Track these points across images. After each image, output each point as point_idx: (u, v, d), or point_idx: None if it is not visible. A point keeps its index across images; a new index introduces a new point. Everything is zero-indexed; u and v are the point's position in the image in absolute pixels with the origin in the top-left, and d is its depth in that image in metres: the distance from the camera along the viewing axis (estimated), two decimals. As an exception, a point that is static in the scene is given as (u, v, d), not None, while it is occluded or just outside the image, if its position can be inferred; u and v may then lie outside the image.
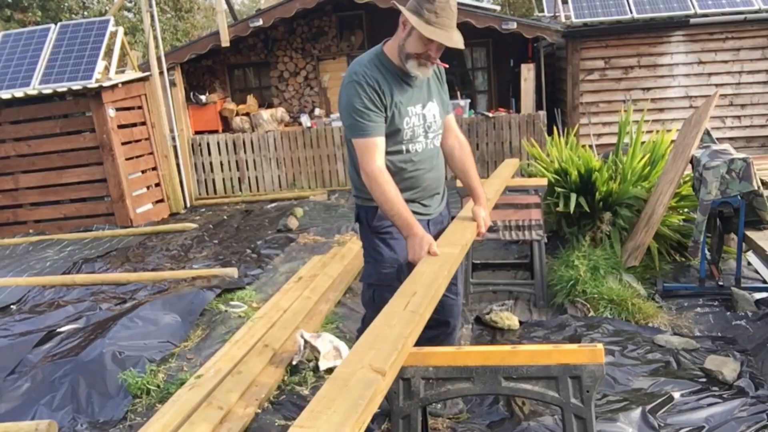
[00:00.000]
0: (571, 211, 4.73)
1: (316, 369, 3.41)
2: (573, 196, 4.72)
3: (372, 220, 2.53)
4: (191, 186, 9.29)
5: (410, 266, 2.46)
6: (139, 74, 8.34)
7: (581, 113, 9.18)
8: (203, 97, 9.76)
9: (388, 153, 2.43)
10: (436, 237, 2.55)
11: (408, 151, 2.49)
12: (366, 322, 2.59)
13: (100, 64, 7.59)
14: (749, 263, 4.50)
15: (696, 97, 9.08)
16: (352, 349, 1.57)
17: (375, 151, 2.34)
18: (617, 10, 8.93)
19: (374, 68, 2.37)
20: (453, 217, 2.81)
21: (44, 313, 4.54)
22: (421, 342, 2.58)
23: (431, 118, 2.54)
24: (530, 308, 4.21)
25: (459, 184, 4.53)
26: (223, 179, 9.58)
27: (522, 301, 4.32)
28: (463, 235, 2.51)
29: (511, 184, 4.36)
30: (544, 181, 4.52)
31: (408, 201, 2.49)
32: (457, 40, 2.34)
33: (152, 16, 8.39)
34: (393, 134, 2.43)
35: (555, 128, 6.34)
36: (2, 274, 5.81)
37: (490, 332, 3.87)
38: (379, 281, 2.51)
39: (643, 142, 5.26)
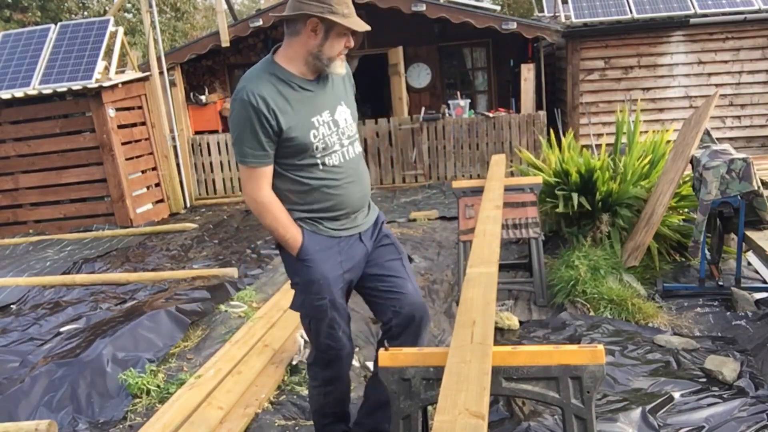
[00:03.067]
0: (571, 212, 4.74)
1: (316, 369, 3.41)
2: (575, 196, 4.72)
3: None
4: (191, 186, 9.29)
5: (343, 292, 2.32)
6: (139, 74, 8.34)
7: (581, 113, 9.19)
8: (203, 98, 9.76)
9: (300, 170, 2.22)
10: (370, 256, 2.38)
11: (324, 164, 2.23)
12: (314, 360, 2.46)
13: (100, 64, 7.59)
14: (749, 263, 4.50)
15: (696, 97, 9.09)
16: (442, 393, 1.60)
17: (264, 179, 2.18)
18: (617, 10, 8.94)
19: (267, 83, 2.13)
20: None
21: (44, 314, 4.55)
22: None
23: (343, 123, 2.28)
24: (530, 308, 4.22)
25: (455, 185, 4.56)
26: (223, 179, 9.58)
27: (522, 301, 4.32)
28: (493, 251, 2.50)
29: (507, 182, 4.37)
30: (539, 179, 4.53)
31: (332, 220, 2.29)
32: (364, 23, 2.23)
33: (152, 17, 8.39)
34: (301, 150, 2.19)
35: (551, 132, 6.35)
36: (2, 274, 5.81)
37: (490, 332, 3.87)
38: (313, 313, 2.31)
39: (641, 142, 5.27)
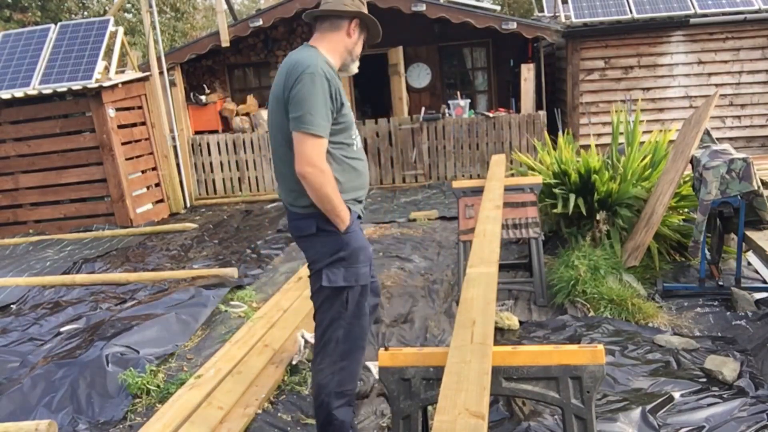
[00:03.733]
0: (570, 212, 4.73)
1: (316, 369, 3.41)
2: (572, 197, 4.72)
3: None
4: (191, 186, 9.29)
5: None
6: (139, 74, 8.34)
7: (581, 113, 9.18)
8: (203, 98, 9.76)
9: (344, 149, 2.41)
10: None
11: (357, 146, 2.50)
12: (332, 337, 2.48)
13: (100, 64, 7.59)
14: (749, 263, 4.50)
15: (696, 97, 9.09)
16: (442, 393, 1.61)
17: (325, 150, 2.31)
18: (617, 10, 8.94)
19: (329, 66, 2.34)
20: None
21: (44, 314, 4.55)
22: None
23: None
24: (530, 308, 4.21)
25: (456, 185, 4.55)
26: (223, 179, 9.58)
27: (522, 301, 4.32)
28: (493, 251, 2.52)
29: (507, 182, 4.36)
30: (539, 179, 4.52)
31: (358, 202, 2.51)
32: None
33: (152, 17, 8.39)
34: (348, 126, 2.43)
35: (547, 135, 6.36)
36: (2, 274, 5.81)
37: (490, 332, 3.87)
38: (357, 281, 2.43)
39: (641, 142, 5.26)
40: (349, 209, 2.42)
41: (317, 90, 2.23)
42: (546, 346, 1.84)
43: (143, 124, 8.25)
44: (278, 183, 2.54)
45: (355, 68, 2.51)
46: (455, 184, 4.55)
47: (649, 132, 5.55)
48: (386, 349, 1.92)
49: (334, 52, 2.41)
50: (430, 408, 2.02)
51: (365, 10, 2.43)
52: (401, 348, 1.99)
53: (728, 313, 3.81)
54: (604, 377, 1.74)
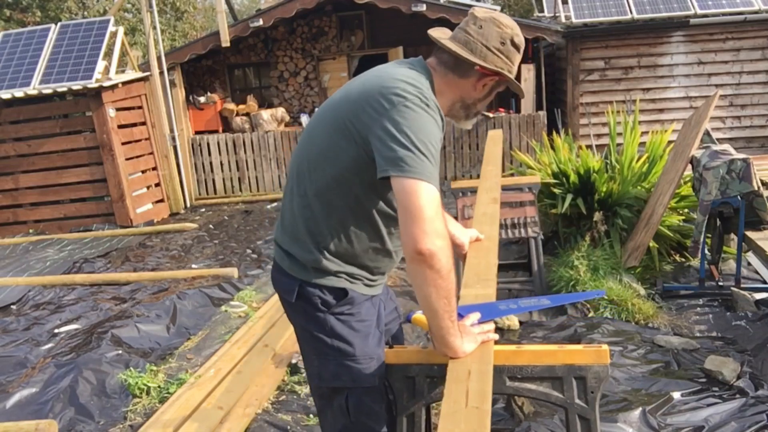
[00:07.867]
0: (564, 212, 4.73)
1: (316, 369, 3.41)
2: (568, 197, 4.72)
3: (337, 301, 1.74)
4: (191, 186, 9.29)
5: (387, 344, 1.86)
6: (139, 74, 8.34)
7: (581, 113, 9.19)
8: (202, 99, 9.75)
9: (393, 223, 1.75)
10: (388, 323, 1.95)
11: None
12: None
13: (100, 64, 7.58)
14: (749, 263, 4.50)
15: (696, 97, 9.09)
16: None
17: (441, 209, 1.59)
18: (617, 10, 8.94)
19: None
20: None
21: (44, 314, 4.55)
22: None
23: None
24: (530, 308, 4.21)
25: (454, 185, 4.55)
26: (223, 179, 9.58)
27: (522, 302, 4.32)
28: (490, 263, 2.07)
29: (505, 182, 4.34)
30: (537, 178, 4.52)
31: (382, 275, 1.86)
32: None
33: (152, 17, 8.39)
34: None
35: (545, 135, 6.36)
36: (2, 274, 5.81)
37: (490, 332, 3.87)
38: (355, 382, 1.75)
39: (643, 143, 5.27)
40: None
41: (433, 125, 1.60)
42: (550, 345, 1.83)
43: (143, 124, 8.25)
44: (283, 221, 1.80)
45: (468, 125, 1.86)
46: (454, 185, 4.54)
47: (645, 133, 5.55)
48: (391, 346, 1.91)
49: (443, 94, 1.74)
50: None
51: (514, 68, 1.75)
52: (405, 346, 1.98)
53: (728, 313, 3.81)
54: (608, 378, 1.74)
